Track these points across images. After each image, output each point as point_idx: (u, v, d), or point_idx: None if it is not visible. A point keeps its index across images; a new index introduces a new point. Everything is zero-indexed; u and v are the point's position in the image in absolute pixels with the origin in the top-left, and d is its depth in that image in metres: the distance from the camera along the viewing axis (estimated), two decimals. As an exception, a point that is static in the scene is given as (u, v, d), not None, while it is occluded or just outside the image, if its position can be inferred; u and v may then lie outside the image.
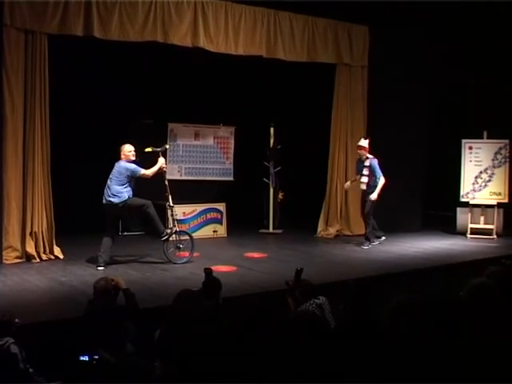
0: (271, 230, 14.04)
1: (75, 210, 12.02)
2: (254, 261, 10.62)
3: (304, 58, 12.74)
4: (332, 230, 13.37)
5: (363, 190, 12.13)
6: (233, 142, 14.36)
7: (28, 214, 10.13)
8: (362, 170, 12.09)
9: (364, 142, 12.15)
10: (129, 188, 9.80)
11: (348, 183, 12.58)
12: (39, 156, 10.18)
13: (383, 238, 12.30)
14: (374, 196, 11.81)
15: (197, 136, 13.90)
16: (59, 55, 10.55)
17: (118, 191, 9.71)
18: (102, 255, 9.71)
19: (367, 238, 12.15)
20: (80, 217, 12.02)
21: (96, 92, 12.45)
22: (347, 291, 5.65)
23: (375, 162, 12.04)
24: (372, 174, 11.97)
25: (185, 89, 13.47)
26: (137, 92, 12.90)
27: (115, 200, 9.70)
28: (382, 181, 11.89)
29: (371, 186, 11.92)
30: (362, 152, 12.11)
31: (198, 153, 13.91)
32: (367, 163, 12.02)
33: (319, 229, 13.51)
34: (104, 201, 9.78)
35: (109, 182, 9.79)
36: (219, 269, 9.51)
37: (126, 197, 9.74)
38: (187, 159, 13.83)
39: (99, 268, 9.62)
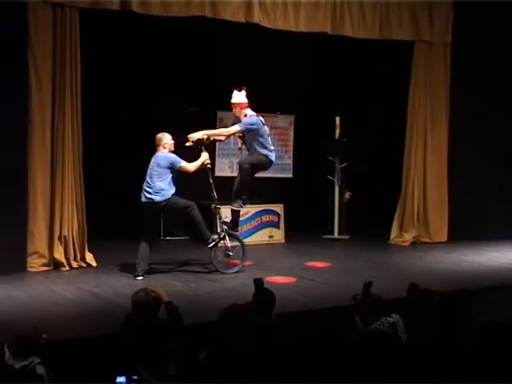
0: (336, 235, 13.98)
1: (110, 211, 12.14)
2: (317, 271, 10.59)
3: (375, 35, 12.62)
4: (408, 237, 13.25)
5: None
6: (292, 133, 14.35)
7: (57, 216, 10.27)
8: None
9: (238, 97, 10.52)
10: (172, 185, 9.86)
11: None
12: (70, 150, 10.31)
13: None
14: (196, 134, 10.19)
15: (251, 126, 13.89)
16: (92, 34, 10.68)
17: (161, 188, 9.76)
18: (140, 263, 9.78)
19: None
20: (115, 219, 12.14)
21: (133, 76, 12.57)
22: (427, 307, 5.59)
23: (254, 119, 10.41)
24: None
25: (236, 72, 13.45)
26: (180, 75, 12.97)
27: (157, 198, 9.76)
28: (233, 128, 10.41)
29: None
30: (237, 110, 10.51)
31: (252, 146, 13.91)
32: None
33: (392, 235, 13.40)
34: (143, 198, 9.85)
35: (148, 177, 9.86)
36: (276, 280, 9.51)
37: (170, 195, 9.80)
38: (240, 153, 13.82)
39: (138, 278, 9.69)
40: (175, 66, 12.95)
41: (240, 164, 10.54)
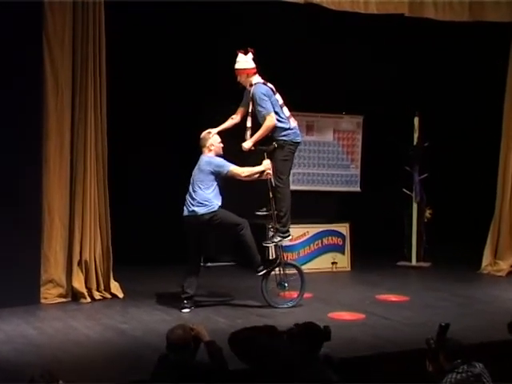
0: (414, 262, 13.94)
1: (140, 232, 12.22)
2: (390, 306, 10.55)
3: (464, 17, 12.52)
4: (504, 265, 13.14)
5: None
6: (360, 137, 14.31)
7: (76, 237, 10.37)
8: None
9: (245, 61, 10.23)
10: (218, 195, 9.89)
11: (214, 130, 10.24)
12: (92, 159, 10.41)
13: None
14: (246, 144, 10.09)
15: (310, 129, 13.90)
16: (120, 16, 10.77)
17: (206, 198, 9.76)
18: (186, 292, 9.84)
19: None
20: (146, 241, 12.22)
21: (169, 66, 12.67)
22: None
23: (262, 89, 10.19)
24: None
25: (292, 64, 13.45)
26: (222, 66, 13.00)
27: (201, 210, 9.74)
28: (268, 121, 10.04)
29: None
30: (243, 78, 10.25)
31: (312, 152, 13.92)
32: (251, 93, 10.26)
33: (484, 262, 13.30)
34: (185, 212, 9.89)
35: (191, 186, 9.90)
36: (340, 316, 9.54)
37: (216, 207, 9.81)
38: (297, 161, 13.65)
39: (184, 311, 9.78)
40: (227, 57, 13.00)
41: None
